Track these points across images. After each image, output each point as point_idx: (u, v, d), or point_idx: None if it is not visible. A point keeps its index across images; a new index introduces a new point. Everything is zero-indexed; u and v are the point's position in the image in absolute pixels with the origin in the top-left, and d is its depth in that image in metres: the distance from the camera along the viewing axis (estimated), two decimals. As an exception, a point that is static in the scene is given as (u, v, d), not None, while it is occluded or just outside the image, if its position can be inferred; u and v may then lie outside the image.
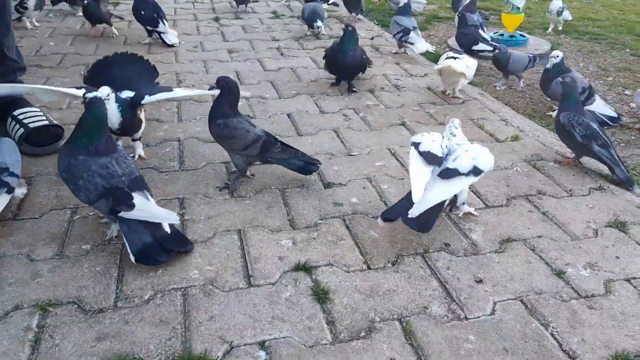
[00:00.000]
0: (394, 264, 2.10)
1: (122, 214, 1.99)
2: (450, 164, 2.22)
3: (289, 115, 3.50)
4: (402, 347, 1.70)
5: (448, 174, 2.19)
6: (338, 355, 1.67)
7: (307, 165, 2.59)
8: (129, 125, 2.67)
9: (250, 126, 2.54)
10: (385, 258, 2.13)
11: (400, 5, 4.85)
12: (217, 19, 5.94)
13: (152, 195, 2.11)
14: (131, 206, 1.98)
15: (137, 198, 2.01)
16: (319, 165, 2.62)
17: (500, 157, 2.95)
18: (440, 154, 2.24)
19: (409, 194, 2.17)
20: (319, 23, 5.21)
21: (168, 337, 1.72)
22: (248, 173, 2.66)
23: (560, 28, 6.02)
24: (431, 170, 2.22)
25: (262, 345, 1.70)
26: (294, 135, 3.21)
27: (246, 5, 6.28)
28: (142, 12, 4.88)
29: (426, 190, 2.14)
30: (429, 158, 2.23)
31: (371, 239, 2.25)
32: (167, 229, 2.06)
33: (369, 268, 2.07)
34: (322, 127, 3.32)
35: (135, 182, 2.06)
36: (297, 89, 3.96)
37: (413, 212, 2.09)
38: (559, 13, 5.91)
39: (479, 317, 1.84)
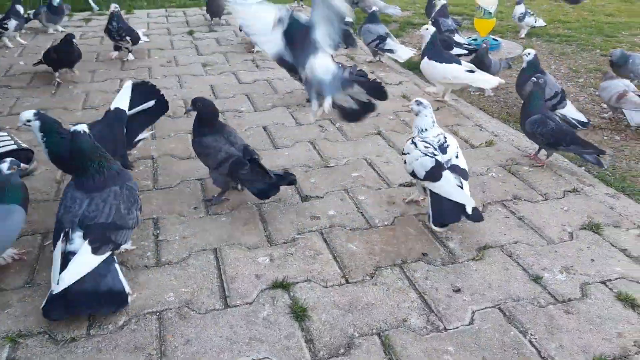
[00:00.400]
0: (372, 277, 2.09)
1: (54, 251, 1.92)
2: (457, 161, 2.31)
3: (265, 128, 3.48)
4: (381, 362, 1.69)
5: (465, 175, 2.30)
6: (317, 374, 1.65)
7: (269, 187, 2.44)
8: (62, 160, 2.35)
9: (226, 144, 2.48)
10: (364, 271, 2.12)
11: (370, 12, 4.90)
12: (191, 33, 5.90)
13: (107, 250, 1.90)
14: (55, 247, 1.90)
15: (63, 245, 1.87)
16: (278, 186, 2.46)
17: (475, 163, 2.97)
18: (434, 162, 2.27)
19: (435, 197, 2.25)
20: None
21: (143, 364, 1.68)
22: (222, 197, 2.61)
23: (525, 33, 6.08)
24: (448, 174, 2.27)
25: (239, 368, 1.67)
26: (270, 149, 3.19)
27: (220, 18, 6.25)
28: (134, 31, 4.89)
29: (463, 189, 2.24)
30: (433, 174, 2.26)
31: (349, 252, 2.23)
32: (55, 289, 1.80)
33: (347, 282, 2.06)
34: (299, 139, 3.31)
35: (93, 228, 1.90)
36: (273, 101, 3.95)
37: (470, 210, 2.20)
38: (520, 19, 5.99)
39: (457, 328, 1.83)
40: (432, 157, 2.29)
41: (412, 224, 2.43)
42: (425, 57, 3.79)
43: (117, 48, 4.92)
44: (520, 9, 5.97)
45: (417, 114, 2.43)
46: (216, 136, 2.49)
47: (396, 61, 4.82)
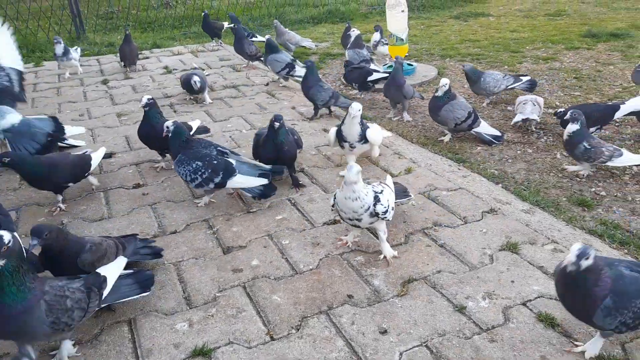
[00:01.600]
0: (298, 329, 2.01)
1: None
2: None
3: (184, 178, 3.35)
4: None
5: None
6: None
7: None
8: None
9: (105, 244, 2.20)
10: (289, 324, 2.04)
11: (265, 41, 5.15)
12: (105, 82, 5.70)
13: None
14: None
15: None
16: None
17: (396, 193, 2.98)
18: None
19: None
20: (205, 94, 4.83)
21: None
22: None
23: (385, 59, 5.80)
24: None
25: None
26: (188, 199, 3.07)
27: (135, 64, 6.07)
28: None
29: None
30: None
31: (273, 305, 2.15)
32: None
33: (272, 339, 1.97)
34: (220, 186, 3.21)
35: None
36: (192, 147, 3.83)
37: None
38: (375, 46, 5.82)
39: (386, 374, 1.78)
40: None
41: (337, 265, 2.39)
42: (375, 125, 3.43)
43: None
44: (375, 36, 5.86)
45: (356, 182, 2.25)
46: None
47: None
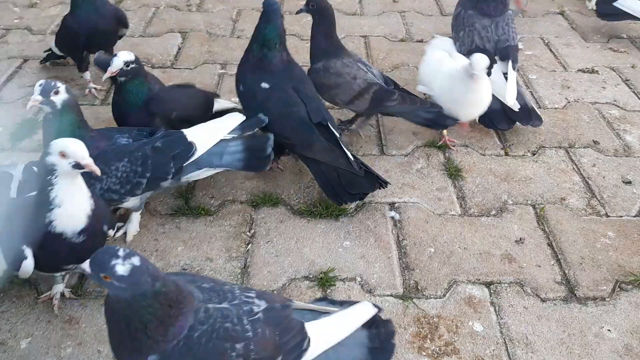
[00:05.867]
0: (534, 154, 2.01)
1: None
2: None
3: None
4: (533, 230, 1.68)
5: None
6: (466, 226, 1.69)
7: (437, 117, 1.93)
8: None
9: (360, 70, 1.90)
10: (525, 147, 2.04)
11: None
12: None
13: None
14: None
15: None
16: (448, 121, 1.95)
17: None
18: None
19: None
20: None
21: (305, 186, 1.84)
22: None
23: None
24: None
25: (392, 205, 1.77)
26: (436, 14, 3.03)
27: None
28: None
29: None
30: None
31: (513, 130, 2.12)
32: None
33: (506, 154, 2.01)
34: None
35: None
36: None
37: None
38: None
39: (621, 217, 1.74)
40: None
41: (586, 111, 2.25)
42: None
43: None
44: None
45: None
46: (344, 59, 1.90)
47: None
